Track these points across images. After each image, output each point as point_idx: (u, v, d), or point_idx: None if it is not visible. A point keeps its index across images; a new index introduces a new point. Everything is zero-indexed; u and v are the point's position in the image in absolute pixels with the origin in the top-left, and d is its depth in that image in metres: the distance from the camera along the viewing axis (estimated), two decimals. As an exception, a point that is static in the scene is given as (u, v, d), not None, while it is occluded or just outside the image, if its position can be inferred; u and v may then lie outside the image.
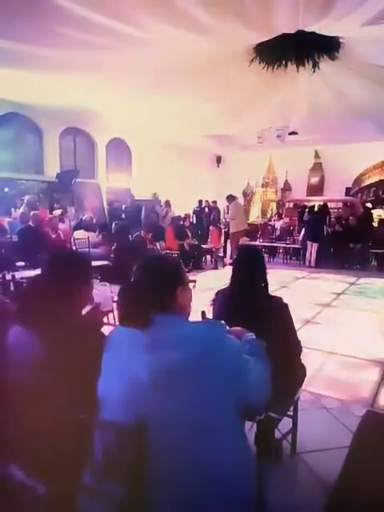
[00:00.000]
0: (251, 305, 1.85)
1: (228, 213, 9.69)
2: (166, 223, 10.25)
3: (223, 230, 10.50)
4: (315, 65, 5.75)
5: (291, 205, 12.95)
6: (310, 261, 8.84)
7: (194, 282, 1.36)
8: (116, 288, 5.29)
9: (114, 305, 1.88)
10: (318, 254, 8.78)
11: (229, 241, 9.60)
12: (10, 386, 1.23)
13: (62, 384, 1.17)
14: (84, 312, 1.50)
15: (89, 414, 1.13)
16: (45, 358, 1.23)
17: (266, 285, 2.00)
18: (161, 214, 10.57)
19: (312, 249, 8.78)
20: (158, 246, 8.16)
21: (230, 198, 9.35)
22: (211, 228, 10.30)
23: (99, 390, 1.19)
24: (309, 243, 8.86)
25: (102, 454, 1.12)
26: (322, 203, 10.39)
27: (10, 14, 4.65)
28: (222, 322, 1.26)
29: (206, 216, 12.41)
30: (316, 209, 9.82)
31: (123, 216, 9.88)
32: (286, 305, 1.96)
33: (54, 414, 1.11)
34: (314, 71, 5.85)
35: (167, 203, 11.34)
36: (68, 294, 1.37)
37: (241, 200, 12.19)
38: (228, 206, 9.65)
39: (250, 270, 1.98)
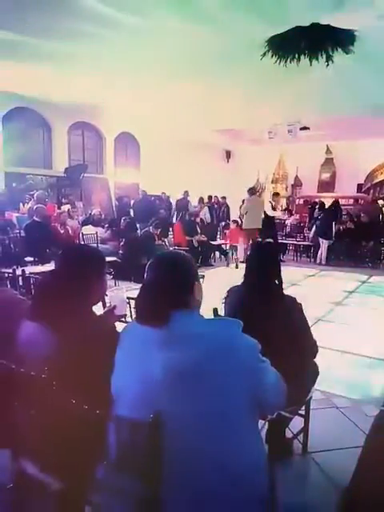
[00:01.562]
0: (264, 303, 1.82)
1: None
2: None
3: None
4: (329, 58, 5.63)
5: (301, 201, 12.82)
6: (320, 258, 8.74)
7: (203, 276, 1.35)
8: (124, 283, 5.33)
9: (128, 306, 1.87)
10: (328, 252, 8.66)
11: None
12: (24, 381, 1.23)
13: (77, 379, 1.16)
14: (98, 314, 1.49)
15: (104, 410, 1.12)
16: (59, 352, 1.23)
17: (281, 283, 1.96)
18: (193, 212, 10.40)
19: (323, 246, 8.67)
20: (167, 242, 8.14)
21: (249, 192, 8.83)
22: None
23: (113, 387, 1.19)
24: (320, 240, 8.73)
25: (116, 451, 1.11)
26: (333, 200, 10.24)
27: (19, 8, 4.64)
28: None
29: (216, 212, 12.32)
30: (327, 206, 9.70)
31: (132, 211, 9.86)
32: (300, 304, 1.92)
33: (69, 409, 1.10)
34: (328, 65, 5.74)
35: (201, 200, 11.16)
36: (82, 289, 1.36)
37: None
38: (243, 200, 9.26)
39: (264, 268, 1.93)
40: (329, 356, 3.49)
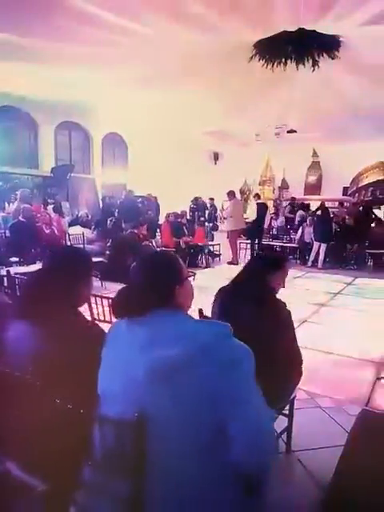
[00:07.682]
0: (253, 304, 1.81)
1: (223, 209, 9.49)
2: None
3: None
4: (315, 63, 5.73)
5: (288, 203, 12.94)
6: (312, 261, 8.63)
7: (194, 274, 1.33)
8: (110, 285, 5.29)
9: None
10: (316, 254, 8.57)
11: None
12: (9, 381, 1.22)
13: (62, 378, 1.16)
14: None
15: (89, 409, 1.11)
16: (45, 351, 1.23)
17: (273, 288, 1.96)
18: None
19: (320, 249, 8.53)
20: (154, 243, 8.12)
21: (231, 195, 8.97)
22: (196, 227, 9.96)
23: (100, 386, 1.19)
24: (316, 244, 8.58)
25: (101, 450, 1.11)
26: (320, 203, 10.32)
27: (8, 6, 4.59)
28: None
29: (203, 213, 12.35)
30: (312, 208, 9.76)
31: (116, 212, 9.77)
32: (289, 312, 1.93)
33: (54, 408, 1.10)
34: (314, 70, 5.84)
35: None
36: (69, 289, 1.37)
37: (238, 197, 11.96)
38: (223, 203, 9.42)
39: (261, 272, 1.94)
40: (313, 356, 3.53)
